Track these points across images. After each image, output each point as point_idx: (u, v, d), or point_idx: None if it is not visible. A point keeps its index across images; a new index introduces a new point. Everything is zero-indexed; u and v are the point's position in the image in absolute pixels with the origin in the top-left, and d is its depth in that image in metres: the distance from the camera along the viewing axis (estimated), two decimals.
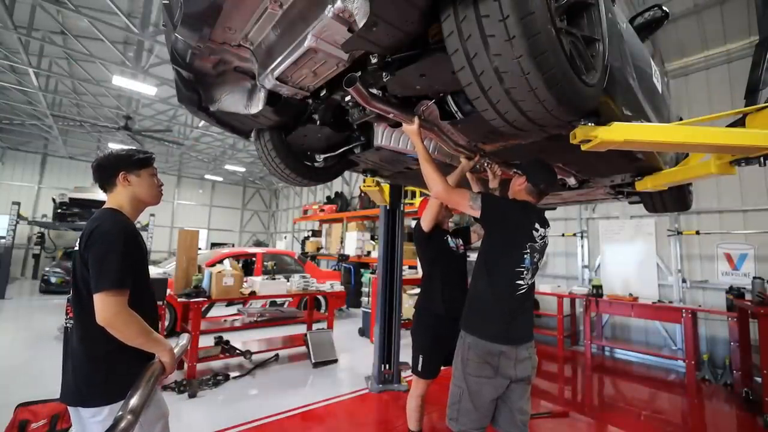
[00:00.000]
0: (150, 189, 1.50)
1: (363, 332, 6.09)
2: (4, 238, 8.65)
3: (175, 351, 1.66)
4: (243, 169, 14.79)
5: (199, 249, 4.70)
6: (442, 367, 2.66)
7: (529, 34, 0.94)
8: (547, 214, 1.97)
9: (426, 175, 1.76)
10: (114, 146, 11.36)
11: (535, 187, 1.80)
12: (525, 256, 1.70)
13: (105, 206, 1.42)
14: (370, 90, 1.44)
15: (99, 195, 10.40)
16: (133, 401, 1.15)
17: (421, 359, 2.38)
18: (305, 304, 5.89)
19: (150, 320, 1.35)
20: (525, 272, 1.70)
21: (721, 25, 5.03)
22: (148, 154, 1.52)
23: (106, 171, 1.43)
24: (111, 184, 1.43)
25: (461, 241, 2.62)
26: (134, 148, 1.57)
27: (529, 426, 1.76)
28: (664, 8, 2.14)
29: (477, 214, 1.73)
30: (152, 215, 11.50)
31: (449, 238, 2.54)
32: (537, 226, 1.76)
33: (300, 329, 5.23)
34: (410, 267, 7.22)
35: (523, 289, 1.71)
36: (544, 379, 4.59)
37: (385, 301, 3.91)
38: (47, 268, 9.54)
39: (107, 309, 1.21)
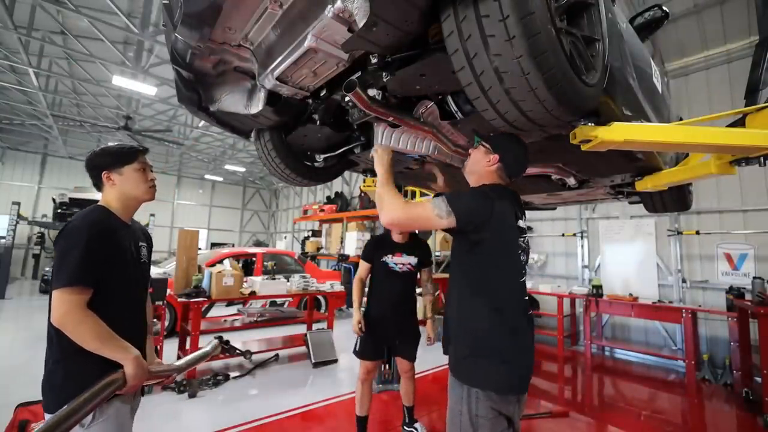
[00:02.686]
0: (137, 185, 1.40)
1: None
2: (4, 238, 8.65)
3: (194, 357, 1.55)
4: (243, 169, 14.80)
5: (199, 249, 4.70)
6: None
7: (529, 34, 0.94)
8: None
9: (384, 199, 1.43)
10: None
11: (508, 168, 1.46)
12: (522, 257, 1.41)
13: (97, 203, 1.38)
14: (370, 93, 1.44)
15: (98, 195, 10.40)
16: (61, 415, 0.99)
17: (358, 340, 2.68)
18: (305, 304, 5.89)
19: (124, 325, 1.24)
20: (524, 279, 1.43)
21: (721, 25, 5.04)
22: (132, 149, 1.41)
23: (91, 173, 1.39)
24: (100, 183, 1.39)
25: (414, 259, 2.68)
26: (118, 143, 1.44)
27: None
28: (664, 8, 2.13)
29: (452, 224, 1.33)
30: (152, 215, 11.52)
31: (390, 258, 2.64)
32: (518, 213, 1.43)
33: (300, 329, 5.23)
34: None
35: (527, 303, 1.43)
36: (544, 379, 4.59)
37: None
38: (47, 268, 9.53)
39: (59, 307, 1.13)
